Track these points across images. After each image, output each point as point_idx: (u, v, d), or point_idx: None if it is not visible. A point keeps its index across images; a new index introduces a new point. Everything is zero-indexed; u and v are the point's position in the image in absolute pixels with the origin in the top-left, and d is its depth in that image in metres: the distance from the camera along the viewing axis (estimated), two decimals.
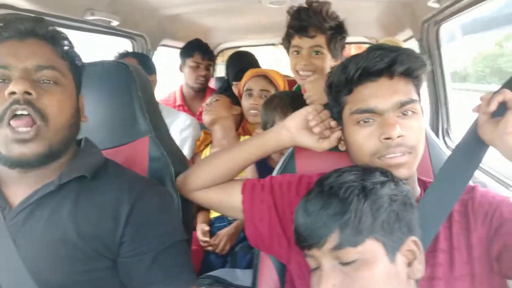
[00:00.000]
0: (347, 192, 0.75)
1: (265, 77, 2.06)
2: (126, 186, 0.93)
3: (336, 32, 1.53)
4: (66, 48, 0.91)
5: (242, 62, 2.62)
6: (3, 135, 0.81)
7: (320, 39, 1.52)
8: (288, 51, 1.62)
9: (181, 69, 2.60)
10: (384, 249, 0.74)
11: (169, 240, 0.93)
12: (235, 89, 2.40)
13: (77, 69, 0.94)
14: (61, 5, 1.58)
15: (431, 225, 0.87)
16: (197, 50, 2.51)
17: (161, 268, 0.90)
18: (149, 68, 2.17)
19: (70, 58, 0.92)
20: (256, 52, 3.06)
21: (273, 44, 3.53)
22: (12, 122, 0.80)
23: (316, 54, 1.52)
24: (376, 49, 0.88)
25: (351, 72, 0.88)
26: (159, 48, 2.64)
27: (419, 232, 0.80)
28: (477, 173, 1.64)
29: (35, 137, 0.82)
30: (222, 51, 3.65)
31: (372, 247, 0.73)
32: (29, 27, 0.85)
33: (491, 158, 0.97)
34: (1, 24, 0.85)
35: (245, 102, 2.07)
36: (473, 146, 0.91)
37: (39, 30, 0.86)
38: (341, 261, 0.74)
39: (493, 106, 0.83)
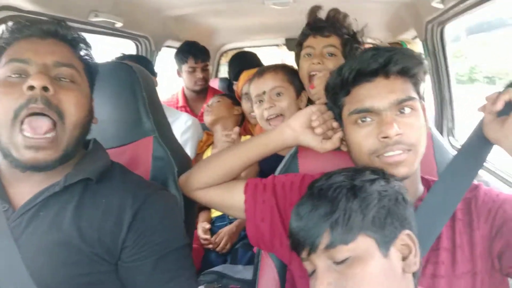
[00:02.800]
0: (336, 192, 0.76)
1: None
2: (130, 191, 0.93)
3: (352, 38, 1.50)
4: (84, 51, 0.94)
5: (242, 62, 2.61)
6: (16, 139, 0.81)
7: (335, 40, 1.48)
8: (298, 59, 1.57)
9: (179, 74, 2.59)
10: (376, 244, 0.74)
11: (171, 245, 0.92)
12: (235, 88, 2.41)
13: (92, 72, 0.96)
14: (66, 6, 1.58)
15: (435, 224, 0.87)
16: (190, 54, 2.48)
17: (162, 273, 0.90)
18: (150, 71, 2.17)
19: (86, 61, 0.94)
20: (259, 52, 3.06)
21: (277, 45, 3.53)
22: (30, 122, 0.80)
23: (330, 56, 1.47)
24: (371, 50, 0.88)
25: (346, 74, 0.89)
26: (163, 49, 2.64)
27: (415, 226, 0.80)
28: (481, 172, 1.64)
29: (52, 143, 0.82)
30: (226, 52, 3.65)
31: (364, 244, 0.73)
32: (52, 27, 0.88)
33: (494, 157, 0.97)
34: (25, 23, 0.88)
35: (245, 105, 2.07)
36: (478, 145, 0.91)
37: (61, 31, 0.89)
38: (335, 260, 0.74)
39: (499, 105, 0.83)
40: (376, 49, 0.89)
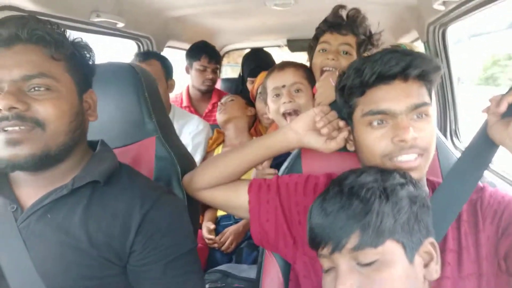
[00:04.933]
0: (369, 193, 0.74)
1: None
2: (138, 194, 0.91)
3: (367, 40, 1.52)
4: (60, 46, 0.85)
5: (257, 58, 2.61)
6: None
7: (351, 39, 1.49)
8: (312, 54, 1.57)
9: (187, 70, 2.58)
10: (403, 250, 0.74)
11: (180, 249, 0.91)
12: (249, 85, 2.40)
13: (79, 65, 0.89)
14: (67, 7, 1.58)
15: (440, 226, 0.87)
16: (204, 53, 2.48)
17: (171, 278, 0.90)
18: (170, 72, 2.16)
19: (68, 56, 0.87)
20: None
21: (278, 46, 3.53)
22: (5, 135, 0.79)
23: (345, 54, 1.48)
24: (391, 52, 0.87)
25: (367, 76, 0.87)
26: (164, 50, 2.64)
27: (434, 233, 0.80)
28: (486, 173, 1.64)
29: (27, 138, 0.79)
30: (227, 52, 3.65)
31: (392, 248, 0.73)
32: (12, 32, 0.81)
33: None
34: None
35: (259, 105, 2.06)
36: (483, 147, 0.91)
37: (22, 34, 0.81)
38: (360, 262, 0.73)
39: (503, 107, 0.83)
40: (395, 51, 0.87)
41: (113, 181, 0.92)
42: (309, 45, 1.61)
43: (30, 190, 0.88)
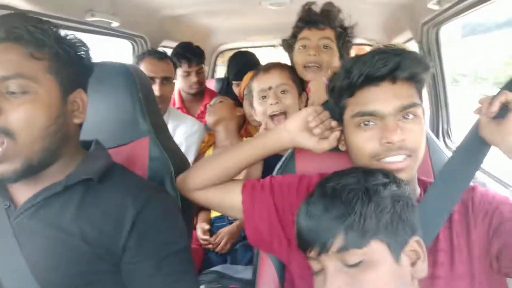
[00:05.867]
0: (351, 194, 0.75)
1: None
2: (132, 191, 0.91)
3: (344, 31, 1.53)
4: (40, 45, 0.81)
5: (242, 61, 2.61)
6: None
7: (330, 32, 1.50)
8: (291, 51, 1.58)
9: (175, 77, 2.58)
10: (388, 249, 0.74)
11: (173, 247, 0.91)
12: (235, 88, 2.40)
13: (65, 64, 0.86)
14: (62, 6, 1.58)
15: (431, 225, 0.87)
16: (183, 58, 2.42)
17: (164, 275, 0.89)
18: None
19: (51, 55, 0.83)
20: (256, 53, 3.05)
21: (273, 46, 3.53)
22: None
23: (325, 48, 1.49)
24: (380, 53, 0.87)
25: (355, 77, 0.88)
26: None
27: (421, 232, 0.81)
28: (477, 173, 1.65)
29: (4, 158, 0.79)
30: (222, 52, 3.65)
31: (377, 248, 0.73)
32: None
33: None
34: None
35: (247, 106, 2.06)
36: (474, 147, 0.92)
37: (0, 34, 0.79)
38: (346, 263, 0.73)
39: (495, 107, 0.83)
40: (384, 52, 0.87)
41: (106, 179, 0.93)
42: (288, 44, 1.62)
43: (24, 187, 0.89)
